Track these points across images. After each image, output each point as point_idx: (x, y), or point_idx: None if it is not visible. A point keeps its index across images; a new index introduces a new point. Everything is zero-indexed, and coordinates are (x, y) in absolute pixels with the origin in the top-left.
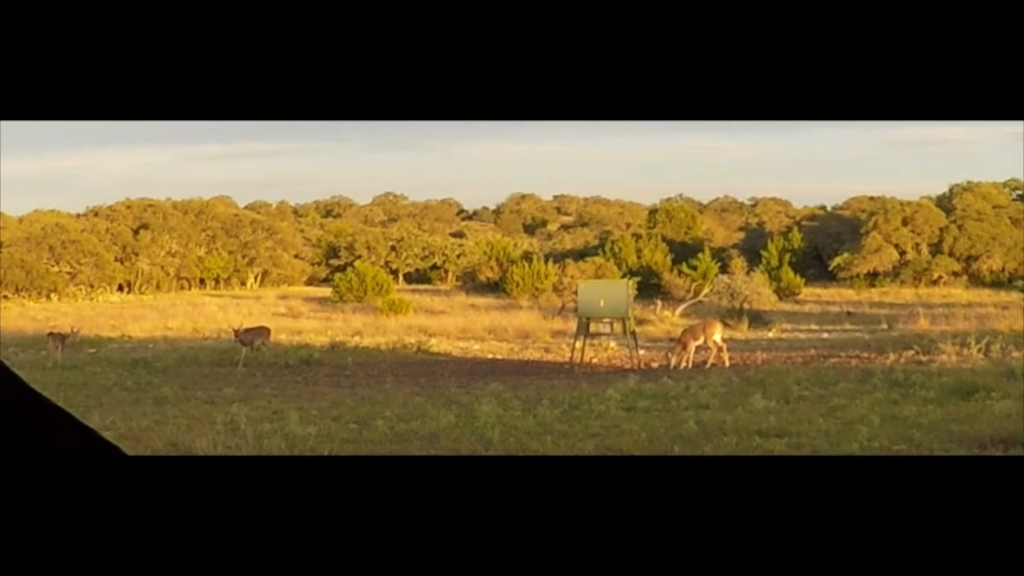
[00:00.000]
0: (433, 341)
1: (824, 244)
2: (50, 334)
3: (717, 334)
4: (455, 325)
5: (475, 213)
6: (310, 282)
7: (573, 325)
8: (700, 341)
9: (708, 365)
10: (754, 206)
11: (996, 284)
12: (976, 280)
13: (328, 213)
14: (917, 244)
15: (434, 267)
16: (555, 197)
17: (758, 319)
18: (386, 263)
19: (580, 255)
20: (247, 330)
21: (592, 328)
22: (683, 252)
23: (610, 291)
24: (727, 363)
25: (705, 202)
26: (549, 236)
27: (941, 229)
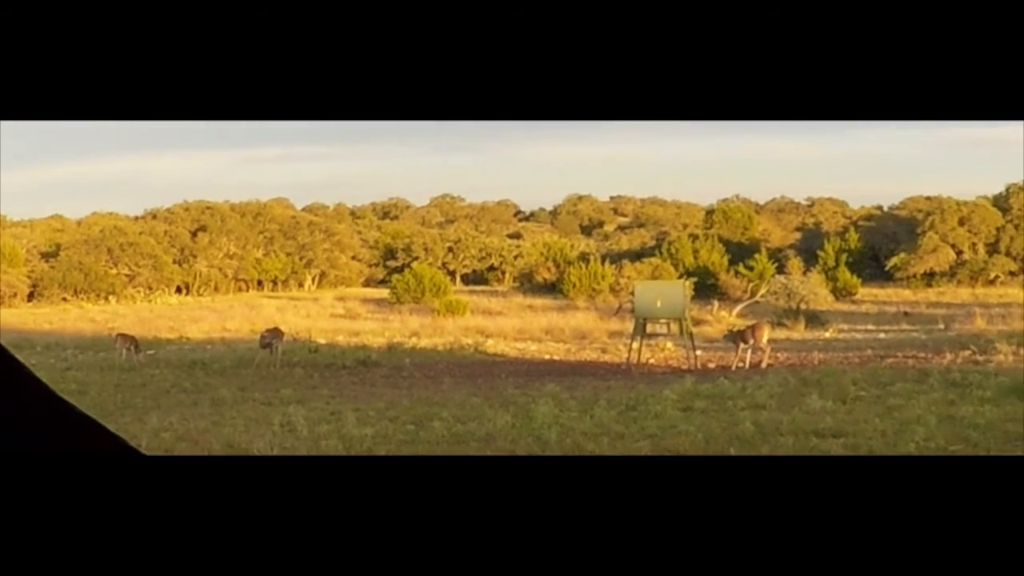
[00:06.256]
0: (490, 342)
1: (881, 244)
2: (119, 336)
3: (765, 336)
4: (512, 326)
5: (532, 214)
6: (367, 283)
7: (630, 326)
8: (750, 344)
9: (764, 365)
10: (811, 206)
11: None
12: None
13: (385, 215)
14: (974, 244)
15: (491, 268)
16: (612, 198)
17: (815, 319)
18: (443, 264)
19: (637, 256)
20: (265, 332)
21: (649, 329)
22: (740, 252)
23: (667, 291)
24: (764, 364)
25: (762, 202)
26: (606, 237)
27: (998, 229)
